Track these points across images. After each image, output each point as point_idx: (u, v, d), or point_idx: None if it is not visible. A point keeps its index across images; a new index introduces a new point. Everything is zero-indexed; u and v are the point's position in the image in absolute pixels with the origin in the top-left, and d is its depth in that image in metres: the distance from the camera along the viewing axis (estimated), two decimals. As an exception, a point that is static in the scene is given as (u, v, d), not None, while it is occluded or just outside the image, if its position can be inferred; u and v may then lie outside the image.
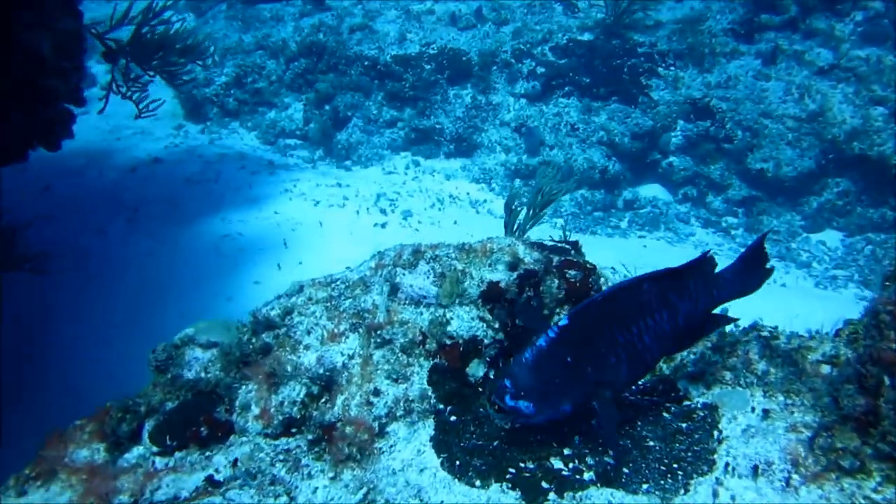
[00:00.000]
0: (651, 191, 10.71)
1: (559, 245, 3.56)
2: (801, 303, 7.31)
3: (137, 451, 2.63)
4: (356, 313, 2.83)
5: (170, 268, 7.14)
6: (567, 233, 9.70)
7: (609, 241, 9.29)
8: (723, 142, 10.51)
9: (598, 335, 2.35)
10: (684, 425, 2.60)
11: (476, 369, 2.73)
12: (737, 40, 11.09)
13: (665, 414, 2.65)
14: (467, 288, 2.77)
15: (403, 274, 2.79)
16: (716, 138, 10.52)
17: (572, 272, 3.08)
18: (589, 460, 2.43)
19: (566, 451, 2.47)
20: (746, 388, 2.69)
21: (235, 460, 2.48)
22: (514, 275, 2.84)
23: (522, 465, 2.40)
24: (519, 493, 2.28)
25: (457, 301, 2.76)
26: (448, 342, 2.68)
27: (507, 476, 2.34)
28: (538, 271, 2.92)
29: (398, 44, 11.43)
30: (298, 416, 2.63)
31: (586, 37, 11.37)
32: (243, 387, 2.72)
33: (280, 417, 2.62)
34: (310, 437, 2.57)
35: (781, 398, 2.61)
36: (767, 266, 2.72)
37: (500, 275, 2.82)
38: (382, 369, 2.67)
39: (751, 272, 2.70)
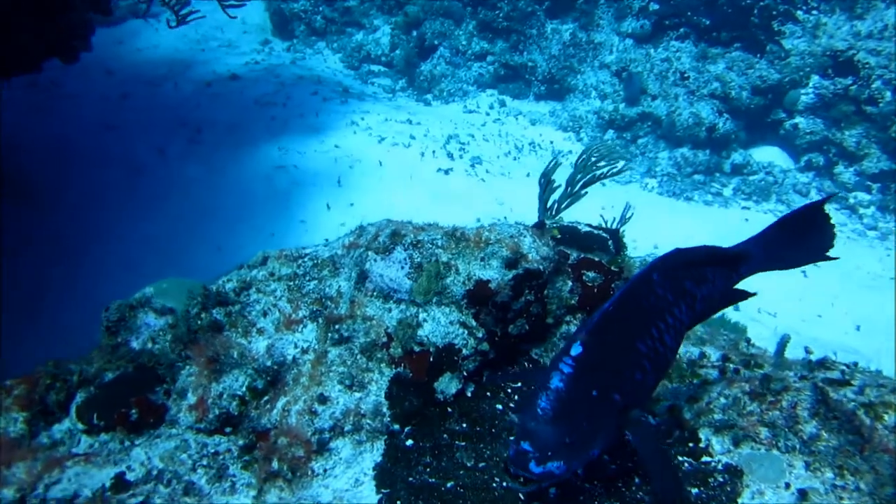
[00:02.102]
0: (767, 155, 9.74)
1: (594, 233, 3.08)
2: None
3: (67, 424, 2.45)
4: (318, 299, 2.50)
5: (217, 197, 7.07)
6: (660, 194, 8.99)
7: (705, 210, 8.53)
8: (865, 104, 9.33)
9: (619, 353, 1.92)
10: (695, 491, 2.15)
11: (447, 385, 2.36)
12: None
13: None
14: (450, 285, 2.38)
15: (375, 259, 2.42)
16: (856, 99, 9.36)
17: (591, 274, 2.62)
18: (559, 522, 2.04)
19: (533, 506, 2.08)
20: (785, 454, 2.20)
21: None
22: (511, 274, 2.41)
23: (475, 517, 2.03)
24: (459, 556, 1.92)
25: (434, 300, 2.37)
26: (416, 349, 2.31)
27: (452, 531, 1.99)
28: (543, 271, 2.48)
29: (496, -34, 10.73)
30: (236, 413, 2.36)
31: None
32: (186, 368, 2.48)
33: (216, 412, 2.36)
34: (241, 441, 2.30)
35: (829, 475, 2.10)
36: (826, 235, 2.26)
37: (493, 272, 2.40)
38: (336, 371, 2.34)
39: (796, 241, 2.26)
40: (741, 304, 6.28)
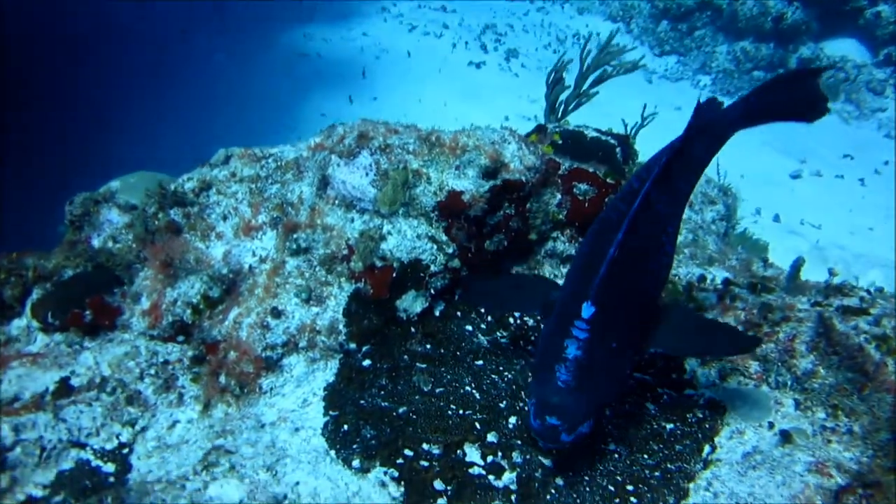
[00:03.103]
0: (840, 48, 8.99)
1: (602, 139, 2.83)
2: None
3: (25, 321, 2.40)
4: (280, 205, 2.36)
5: (235, 83, 6.89)
6: (713, 92, 8.42)
7: (762, 111, 7.97)
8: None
9: (631, 295, 1.83)
10: (670, 427, 2.01)
11: (411, 303, 2.22)
12: None
13: (649, 405, 2.06)
14: (419, 195, 2.19)
15: (338, 164, 2.24)
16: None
17: (583, 186, 2.40)
18: (516, 457, 1.92)
19: (490, 438, 1.96)
20: (775, 391, 2.03)
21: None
22: (488, 185, 2.21)
23: (426, 448, 1.93)
24: (402, 491, 1.84)
25: (400, 211, 2.20)
26: (378, 263, 2.17)
27: (398, 462, 1.89)
28: (526, 182, 2.27)
29: None
30: (190, 322, 2.28)
31: None
32: (144, 270, 2.39)
33: (170, 319, 2.28)
34: (191, 352, 2.23)
35: (821, 416, 1.94)
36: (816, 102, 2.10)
37: (468, 182, 2.20)
38: (293, 284, 2.22)
39: (785, 95, 2.13)
40: (782, 215, 5.92)
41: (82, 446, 1.99)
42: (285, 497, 1.79)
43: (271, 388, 2.11)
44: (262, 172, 2.44)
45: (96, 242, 2.51)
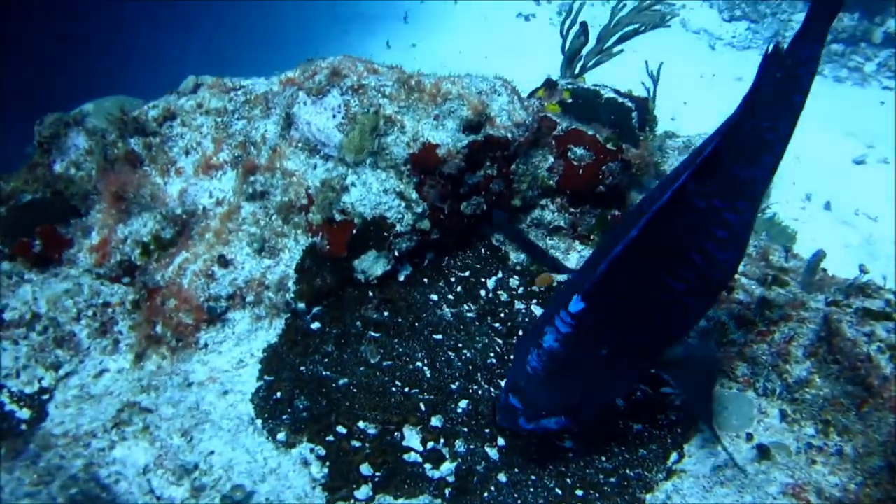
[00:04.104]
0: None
1: (619, 100, 2.57)
2: None
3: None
4: (243, 143, 2.20)
5: (272, 20, 6.72)
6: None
7: (832, 88, 7.48)
8: None
9: (640, 300, 1.53)
10: (637, 428, 1.82)
11: (371, 265, 2.05)
12: None
13: (619, 400, 1.85)
14: (390, 144, 2.00)
15: (305, 102, 2.05)
16: None
17: (579, 151, 2.17)
18: (460, 446, 1.75)
19: (434, 421, 1.79)
20: (761, 398, 1.81)
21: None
22: (467, 140, 2.00)
23: (361, 426, 1.77)
24: (325, 472, 1.69)
25: (368, 160, 2.00)
26: (338, 217, 1.99)
27: (328, 439, 1.74)
28: (512, 140, 2.05)
29: None
30: (139, 264, 2.15)
31: None
32: (99, 203, 2.26)
33: (118, 258, 2.16)
34: (133, 297, 2.10)
35: (809, 431, 1.72)
36: None
37: (445, 135, 2.00)
38: (246, 232, 2.07)
39: None
40: (833, 203, 5.52)
41: (-1, 387, 1.89)
42: (196, 467, 1.66)
43: (208, 344, 1.97)
44: (229, 105, 2.27)
45: (58, 168, 2.39)
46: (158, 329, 2.00)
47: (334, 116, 2.02)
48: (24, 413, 1.86)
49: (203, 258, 2.05)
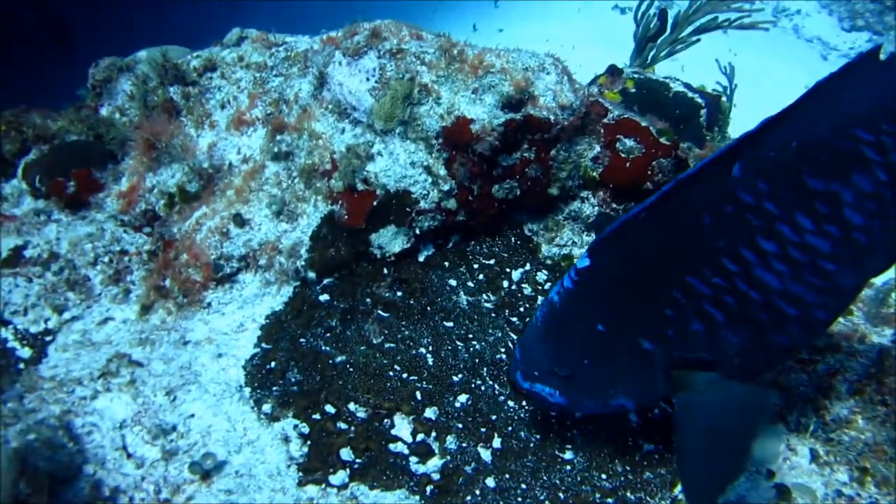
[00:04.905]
0: None
1: (689, 95, 2.39)
2: None
3: (16, 182, 2.34)
4: (276, 100, 2.14)
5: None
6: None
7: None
8: None
9: (651, 282, 1.36)
10: (647, 448, 1.67)
11: (389, 240, 1.95)
12: None
13: (633, 415, 1.71)
14: (422, 115, 1.89)
15: (339, 63, 1.96)
16: None
17: (629, 142, 2.01)
18: (451, 442, 1.64)
19: (428, 413, 1.69)
20: (792, 433, 1.62)
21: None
22: (504, 117, 1.87)
23: (351, 408, 1.69)
24: (304, 451, 1.61)
25: (398, 129, 1.90)
26: (360, 186, 1.90)
27: (314, 417, 1.66)
28: (555, 123, 1.91)
29: None
30: (163, 215, 2.12)
31: None
32: (133, 150, 2.26)
33: (143, 206, 2.15)
34: (149, 247, 2.08)
35: (842, 478, 1.54)
36: None
37: (482, 110, 1.87)
38: (267, 192, 2.01)
39: None
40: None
41: (4, 323, 1.89)
42: (173, 428, 1.61)
43: (212, 304, 1.92)
44: (269, 61, 2.21)
45: (104, 111, 2.40)
46: (167, 283, 1.96)
47: (368, 79, 1.93)
48: (25, 352, 1.85)
49: (221, 215, 2.00)
